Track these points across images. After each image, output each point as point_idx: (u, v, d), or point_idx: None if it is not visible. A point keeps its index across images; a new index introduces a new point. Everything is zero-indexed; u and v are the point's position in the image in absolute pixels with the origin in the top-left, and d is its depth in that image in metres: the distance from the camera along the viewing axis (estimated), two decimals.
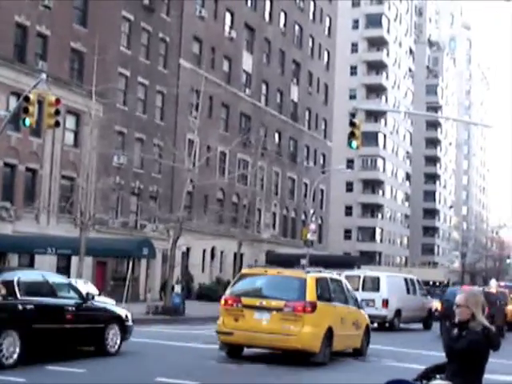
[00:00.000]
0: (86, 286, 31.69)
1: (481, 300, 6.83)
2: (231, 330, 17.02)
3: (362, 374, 17.11)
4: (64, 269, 43.40)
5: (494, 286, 47.95)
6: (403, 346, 23.96)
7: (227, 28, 61.84)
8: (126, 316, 17.75)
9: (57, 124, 26.38)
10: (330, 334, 17.54)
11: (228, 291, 18.21)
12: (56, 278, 16.95)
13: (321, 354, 17.15)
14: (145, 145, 50.79)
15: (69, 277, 41.80)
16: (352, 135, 27.60)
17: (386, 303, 29.87)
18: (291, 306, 16.94)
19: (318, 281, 18.09)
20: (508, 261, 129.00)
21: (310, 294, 17.30)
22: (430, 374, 6.93)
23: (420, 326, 34.31)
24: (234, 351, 17.72)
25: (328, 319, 17.72)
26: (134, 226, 49.76)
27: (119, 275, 42.43)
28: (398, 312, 29.17)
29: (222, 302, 17.80)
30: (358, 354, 19.73)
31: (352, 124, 27.79)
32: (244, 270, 20.22)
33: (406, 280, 33.58)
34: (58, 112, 25.93)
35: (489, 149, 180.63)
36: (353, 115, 29.29)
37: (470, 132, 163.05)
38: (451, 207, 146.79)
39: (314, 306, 17.09)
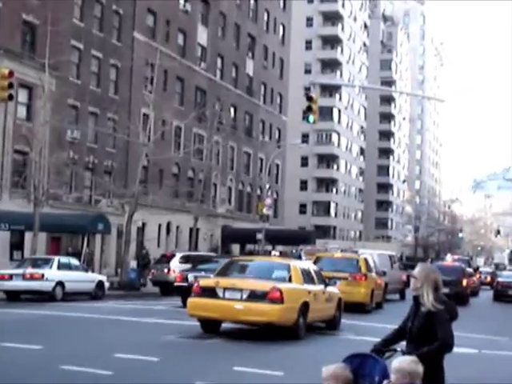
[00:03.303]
0: (74, 261, 32.20)
1: (433, 276, 6.80)
2: None
3: (330, 346, 17.19)
4: (17, 245, 42.92)
5: (449, 259, 49.14)
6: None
7: (182, 1, 61.13)
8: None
9: (10, 97, 25.93)
10: (372, 293, 28.00)
11: None
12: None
13: (370, 304, 27.71)
14: (99, 119, 50.10)
15: (22, 253, 41.49)
16: (309, 109, 27.55)
17: None
18: (353, 276, 27.35)
19: (365, 260, 29.07)
20: (460, 235, 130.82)
21: (363, 269, 28.06)
22: (381, 348, 6.91)
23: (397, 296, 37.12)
24: None
25: (371, 284, 28.19)
26: (88, 201, 49.26)
27: (74, 251, 41.98)
28: (386, 285, 32.72)
29: None
30: (380, 306, 29.63)
31: (309, 98, 27.71)
32: (318, 254, 32.38)
33: (389, 256, 38.66)
34: (11, 85, 25.47)
35: (441, 124, 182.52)
36: (308, 89, 29.19)
37: (424, 107, 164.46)
38: (404, 181, 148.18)
39: (366, 276, 27.77)
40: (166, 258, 38.29)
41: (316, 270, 20.71)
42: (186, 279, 27.94)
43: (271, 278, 18.11)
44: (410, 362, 6.13)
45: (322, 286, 19.81)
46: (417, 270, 6.89)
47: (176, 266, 36.15)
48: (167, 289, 36.48)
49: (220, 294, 17.29)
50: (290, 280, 18.21)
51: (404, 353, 6.74)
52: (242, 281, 17.91)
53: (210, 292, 17.47)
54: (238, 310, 16.99)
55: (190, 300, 17.87)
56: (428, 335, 6.64)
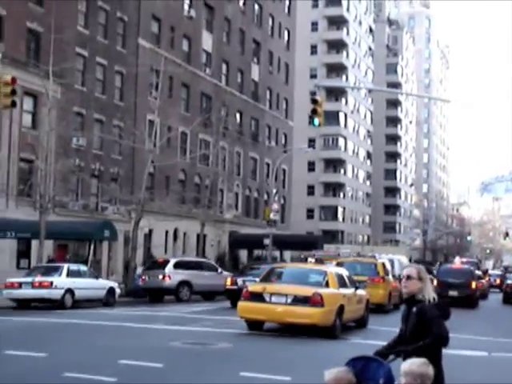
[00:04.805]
0: (83, 268, 32.46)
1: (427, 275, 6.94)
2: None
3: (341, 350, 17.01)
4: (24, 253, 42.88)
5: (457, 262, 49.21)
6: None
7: (186, 7, 61.11)
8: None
9: (13, 104, 25.82)
10: (389, 294, 30.38)
11: None
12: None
13: (388, 305, 29.99)
14: (104, 126, 50.04)
15: (29, 261, 41.44)
16: (314, 112, 27.38)
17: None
18: (372, 279, 29.11)
19: (383, 264, 31.70)
20: (468, 238, 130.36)
21: (381, 272, 30.64)
22: (384, 351, 6.81)
23: None
24: None
25: (389, 287, 30.47)
26: (94, 208, 49.15)
27: (81, 258, 41.86)
28: None
29: None
30: (397, 308, 29.93)
31: (314, 101, 27.55)
32: (340, 260, 34.79)
33: (401, 261, 42.26)
34: (14, 92, 25.37)
35: (448, 127, 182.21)
36: (314, 93, 29.03)
37: (430, 110, 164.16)
38: (412, 185, 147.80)
39: (384, 279, 30.24)
40: (159, 264, 37.88)
41: (347, 275, 22.66)
42: (235, 283, 31.20)
43: (310, 284, 20.14)
44: (420, 364, 5.94)
45: (353, 289, 21.75)
46: (414, 272, 6.82)
47: (171, 272, 35.87)
48: (160, 295, 36.25)
49: (267, 298, 19.28)
50: (327, 285, 20.26)
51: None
52: (286, 286, 19.89)
53: (257, 297, 19.43)
54: (283, 313, 18.98)
55: (240, 304, 19.86)
56: (421, 335, 6.55)
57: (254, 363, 14.37)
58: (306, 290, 19.29)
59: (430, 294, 6.69)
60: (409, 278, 6.78)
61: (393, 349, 6.86)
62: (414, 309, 6.68)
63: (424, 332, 6.52)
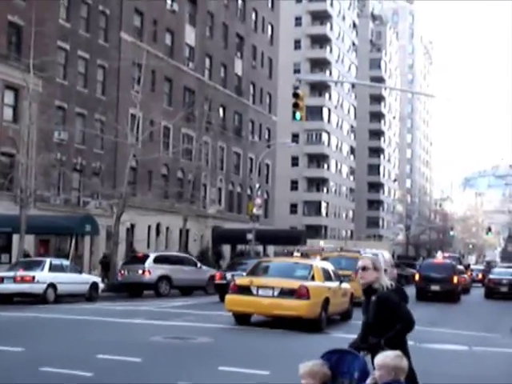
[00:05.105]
0: (66, 263, 32.31)
1: (381, 265, 7.13)
2: None
3: (320, 344, 16.95)
4: (5, 247, 42.57)
5: (439, 257, 49.76)
6: None
7: (169, 1, 60.75)
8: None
9: None
10: None
11: None
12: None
13: None
14: (86, 120, 49.70)
15: (10, 256, 41.15)
16: (296, 106, 27.33)
17: None
18: (356, 274, 25.09)
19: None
20: (451, 233, 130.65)
21: None
22: (359, 343, 6.87)
23: None
24: None
25: None
26: (76, 202, 48.85)
27: (62, 253, 41.63)
28: None
29: None
30: None
31: (295, 95, 27.48)
32: (325, 254, 35.91)
33: (384, 255, 42.54)
34: None
35: (431, 122, 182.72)
36: (296, 87, 28.93)
37: (413, 105, 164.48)
38: (395, 180, 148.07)
39: None
40: (138, 259, 37.74)
41: (332, 269, 23.15)
42: (224, 278, 31.30)
43: (297, 277, 20.46)
44: (394, 357, 5.86)
45: (337, 283, 22.20)
46: (369, 263, 7.05)
47: (151, 267, 35.78)
48: (139, 290, 36.16)
49: (254, 291, 19.58)
50: (312, 278, 20.64)
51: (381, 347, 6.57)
52: (273, 280, 20.21)
53: (245, 290, 19.75)
54: (270, 306, 19.35)
55: (228, 297, 20.21)
56: (385, 321, 6.66)
57: (234, 357, 14.29)
58: (293, 283, 19.63)
59: (386, 282, 6.88)
60: (364, 268, 6.99)
61: (367, 340, 6.84)
62: (373, 298, 6.83)
63: (386, 319, 6.53)
